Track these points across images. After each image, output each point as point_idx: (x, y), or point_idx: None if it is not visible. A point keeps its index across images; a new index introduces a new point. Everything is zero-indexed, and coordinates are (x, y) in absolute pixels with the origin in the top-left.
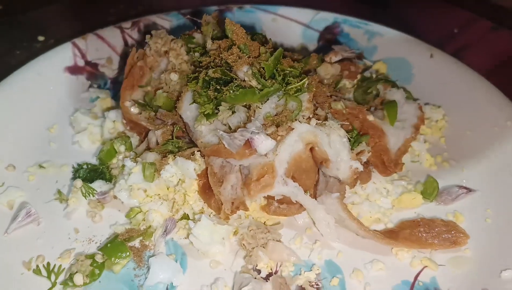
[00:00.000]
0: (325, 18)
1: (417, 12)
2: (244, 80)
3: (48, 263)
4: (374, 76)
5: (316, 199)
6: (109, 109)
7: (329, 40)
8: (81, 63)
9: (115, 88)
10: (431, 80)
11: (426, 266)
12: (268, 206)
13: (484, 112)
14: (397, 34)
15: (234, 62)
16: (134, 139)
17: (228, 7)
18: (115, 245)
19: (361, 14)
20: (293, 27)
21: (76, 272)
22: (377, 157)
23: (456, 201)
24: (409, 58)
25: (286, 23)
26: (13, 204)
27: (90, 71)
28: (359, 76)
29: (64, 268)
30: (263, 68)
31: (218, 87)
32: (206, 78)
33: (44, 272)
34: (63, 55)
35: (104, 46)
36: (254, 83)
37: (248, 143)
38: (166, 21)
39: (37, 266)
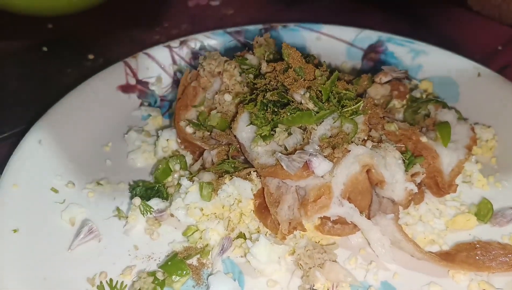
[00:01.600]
0: (369, 36)
1: (458, 29)
2: (300, 103)
3: (111, 280)
4: (423, 95)
5: (370, 220)
6: (160, 127)
7: (373, 58)
8: (132, 81)
9: (165, 106)
10: (478, 99)
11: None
12: (322, 226)
13: None
14: (442, 52)
15: (290, 84)
16: (188, 158)
17: (273, 25)
18: (175, 263)
19: (402, 32)
20: (337, 46)
21: (139, 289)
22: (431, 178)
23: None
24: (454, 77)
25: (330, 42)
26: (75, 221)
27: (141, 89)
28: (408, 96)
29: (126, 284)
30: (320, 91)
31: (276, 110)
32: (264, 100)
33: (107, 289)
34: (116, 74)
35: (153, 64)
36: (310, 105)
37: (306, 165)
38: (212, 40)
39: (101, 282)
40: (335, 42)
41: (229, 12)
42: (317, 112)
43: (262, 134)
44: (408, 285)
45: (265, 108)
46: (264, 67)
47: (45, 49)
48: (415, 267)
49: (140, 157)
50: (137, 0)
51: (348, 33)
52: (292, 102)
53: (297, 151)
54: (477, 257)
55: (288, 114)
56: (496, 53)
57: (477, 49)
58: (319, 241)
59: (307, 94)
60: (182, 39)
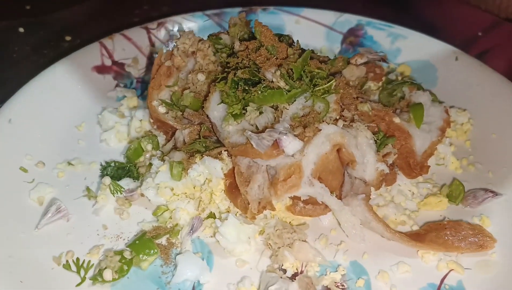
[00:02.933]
0: (349, 20)
1: (440, 15)
2: (272, 81)
3: (78, 259)
4: (399, 78)
5: (341, 200)
6: (135, 108)
7: (352, 42)
8: (108, 62)
9: (141, 88)
10: (455, 83)
11: (452, 270)
12: (294, 206)
13: (509, 115)
14: (421, 37)
15: (262, 63)
16: (161, 138)
17: (252, 8)
18: (143, 242)
19: (384, 16)
20: (317, 29)
21: (105, 267)
22: (403, 159)
23: (483, 204)
24: (433, 61)
25: (309, 25)
26: (43, 200)
27: (116, 70)
28: (384, 78)
29: (93, 263)
30: (291, 69)
31: (246, 88)
32: (235, 78)
33: (73, 267)
34: (91, 54)
35: (130, 46)
36: (282, 84)
37: (276, 144)
38: (190, 22)
39: (67, 261)
40: (315, 26)
41: None
42: (289, 91)
43: (233, 113)
44: (376, 264)
45: (236, 86)
46: (237, 46)
47: (21, 30)
48: (385, 248)
49: (113, 138)
50: None
51: (327, 16)
52: (264, 80)
53: (267, 130)
54: (446, 237)
55: (259, 92)
56: (476, 38)
57: (457, 34)
58: (290, 222)
59: (278, 72)
60: (159, 21)
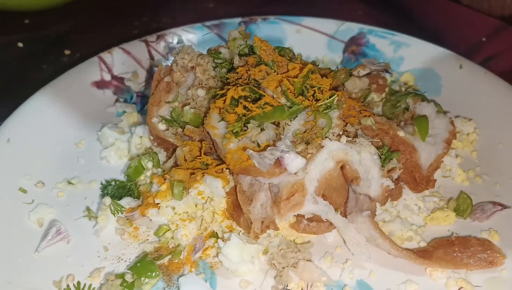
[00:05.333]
0: (350, 28)
1: (442, 20)
2: (273, 97)
3: (79, 282)
4: (402, 88)
5: (346, 217)
6: (135, 124)
7: (354, 51)
8: (107, 77)
9: (141, 102)
10: (460, 92)
11: (461, 288)
12: (298, 224)
13: None
14: (424, 44)
15: (262, 79)
16: (161, 155)
17: (252, 18)
18: (144, 264)
19: (385, 24)
20: (318, 38)
21: None
22: (408, 173)
23: (491, 218)
24: (437, 69)
25: (310, 34)
26: (43, 221)
27: (116, 85)
28: (387, 90)
29: (94, 287)
30: (292, 84)
31: (247, 105)
32: (234, 95)
33: None
34: (90, 70)
35: (129, 60)
36: (283, 100)
37: (278, 162)
38: (190, 33)
39: (68, 285)
40: (316, 35)
41: (210, 5)
42: (290, 107)
43: (234, 131)
44: (384, 283)
45: (236, 103)
46: (237, 61)
47: (20, 44)
48: (392, 265)
49: (114, 155)
50: None
51: (329, 25)
52: (264, 96)
53: (269, 148)
54: (454, 254)
55: (260, 109)
56: (480, 44)
57: (461, 41)
58: (294, 240)
59: (279, 89)
60: (159, 33)
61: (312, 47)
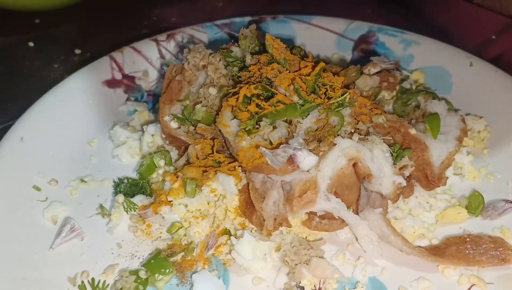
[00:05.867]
0: (360, 27)
1: (452, 18)
2: (285, 95)
3: (93, 279)
4: (413, 86)
5: (358, 215)
6: (147, 122)
7: (364, 49)
8: (118, 76)
9: (152, 101)
10: (471, 89)
11: (474, 284)
12: (310, 221)
13: None
14: (434, 42)
15: (274, 77)
16: (173, 153)
17: (262, 17)
18: (158, 261)
19: (394, 22)
20: (327, 37)
21: (121, 288)
22: (420, 171)
23: (503, 215)
24: (447, 67)
25: (320, 33)
26: (57, 219)
27: (127, 84)
28: (397, 87)
29: (109, 284)
30: (304, 82)
31: (259, 103)
32: (247, 93)
33: (89, 288)
34: (101, 69)
35: (140, 58)
36: (295, 98)
37: (291, 159)
38: (200, 32)
39: (82, 282)
40: (325, 33)
41: (219, 4)
42: (302, 105)
43: (246, 129)
44: (396, 280)
45: (248, 101)
46: (249, 60)
47: (31, 44)
48: (404, 262)
49: (126, 153)
50: None
51: (338, 24)
52: (276, 94)
53: (282, 145)
54: (467, 251)
55: (272, 107)
56: (489, 42)
57: (470, 38)
58: (306, 237)
59: (291, 87)
60: (169, 32)
61: (321, 46)
